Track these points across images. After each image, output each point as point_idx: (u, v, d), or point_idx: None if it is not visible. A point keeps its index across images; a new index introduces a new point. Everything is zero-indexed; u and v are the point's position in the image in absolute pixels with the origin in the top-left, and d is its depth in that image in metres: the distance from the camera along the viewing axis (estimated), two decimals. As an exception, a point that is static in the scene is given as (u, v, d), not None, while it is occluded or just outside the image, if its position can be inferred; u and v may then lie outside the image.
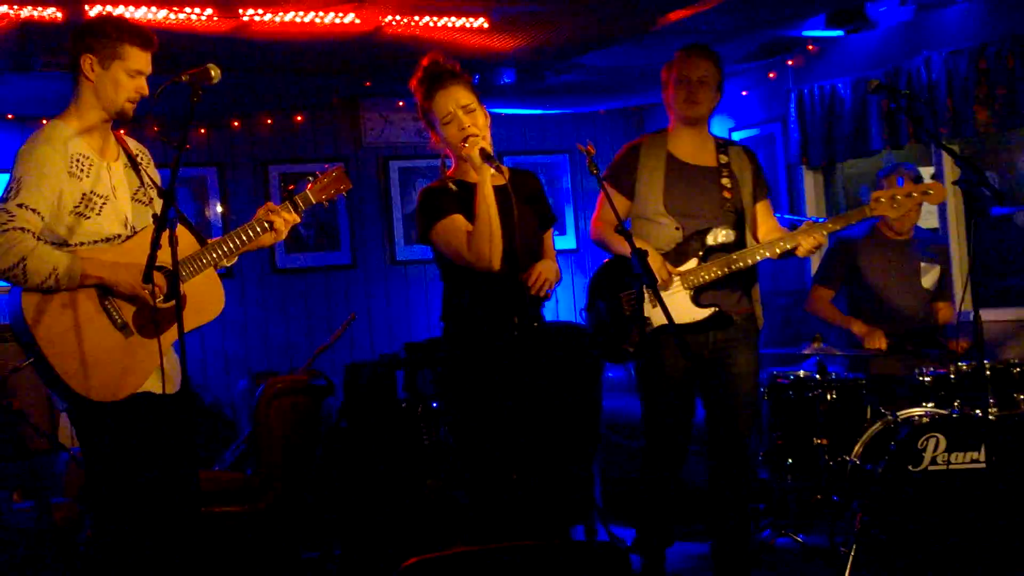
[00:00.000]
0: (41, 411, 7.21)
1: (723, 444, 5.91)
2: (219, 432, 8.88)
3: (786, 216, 6.28)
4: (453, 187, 5.15)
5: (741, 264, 5.77)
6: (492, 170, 5.03)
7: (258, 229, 4.90)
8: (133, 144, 4.95)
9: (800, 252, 5.78)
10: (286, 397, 7.41)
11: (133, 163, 4.85)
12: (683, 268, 5.76)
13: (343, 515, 7.47)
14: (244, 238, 4.88)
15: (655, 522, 5.95)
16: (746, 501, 6.02)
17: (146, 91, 4.71)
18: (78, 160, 4.63)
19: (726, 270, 5.76)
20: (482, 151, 5.00)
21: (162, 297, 4.66)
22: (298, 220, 4.99)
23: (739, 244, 5.87)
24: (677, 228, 5.83)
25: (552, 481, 5.28)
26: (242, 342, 9.81)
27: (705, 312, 5.75)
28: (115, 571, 4.72)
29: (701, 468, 6.20)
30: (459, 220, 5.10)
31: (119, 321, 4.61)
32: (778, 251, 5.81)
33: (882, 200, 5.84)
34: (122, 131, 4.93)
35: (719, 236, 5.80)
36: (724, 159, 6.01)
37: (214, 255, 4.82)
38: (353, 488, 7.49)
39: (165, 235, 4.30)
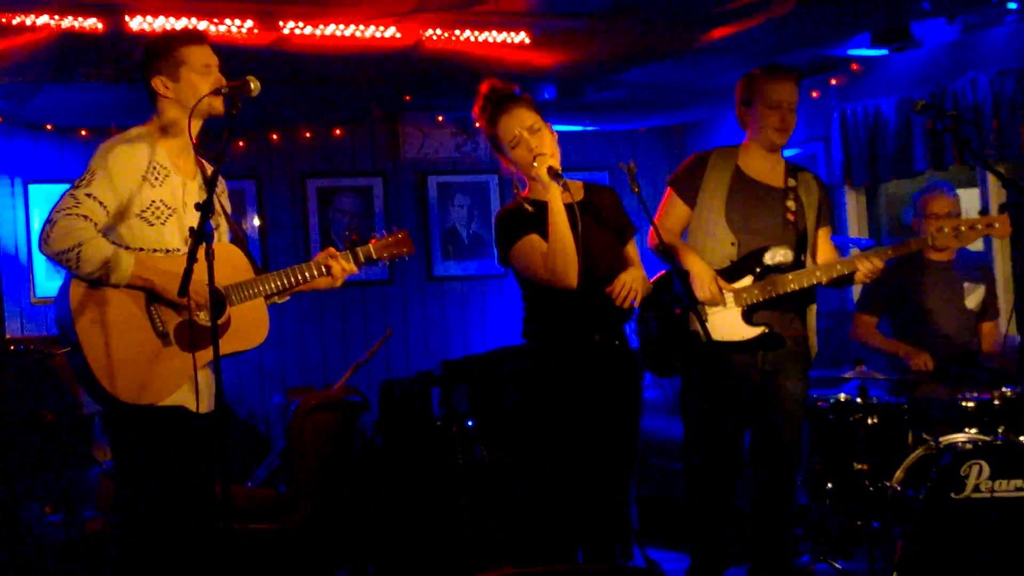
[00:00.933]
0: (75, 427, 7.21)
1: (766, 468, 5.84)
2: (253, 447, 8.85)
3: (832, 237, 6.20)
4: (528, 207, 5.15)
5: (795, 286, 5.71)
6: (562, 188, 5.02)
7: (316, 272, 4.94)
8: (211, 170, 4.95)
9: (858, 277, 5.73)
10: (320, 413, 7.37)
11: (209, 186, 4.84)
12: (737, 285, 5.70)
13: (376, 534, 7.43)
14: (300, 277, 4.92)
15: (710, 546, 5.88)
16: (787, 527, 5.95)
17: (223, 80, 4.76)
18: (154, 168, 4.69)
19: (780, 290, 5.69)
20: (550, 169, 5.00)
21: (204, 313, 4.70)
22: (356, 271, 5.03)
23: (797, 266, 5.80)
24: (733, 243, 5.76)
25: (596, 502, 5.24)
26: (278, 356, 9.78)
27: (755, 331, 5.69)
28: None
29: (739, 490, 6.13)
30: (535, 240, 5.13)
31: (160, 329, 4.63)
32: (834, 275, 5.75)
33: (946, 230, 5.79)
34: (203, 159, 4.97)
35: (777, 256, 5.73)
36: (792, 183, 5.95)
37: (267, 287, 4.87)
38: (387, 506, 7.45)
39: (201, 250, 4.31)
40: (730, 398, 5.70)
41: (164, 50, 4.78)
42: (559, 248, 4.98)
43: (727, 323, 5.63)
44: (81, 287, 4.53)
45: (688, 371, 5.76)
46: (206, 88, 4.72)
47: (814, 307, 5.94)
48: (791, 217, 5.86)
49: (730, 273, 5.73)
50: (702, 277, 5.57)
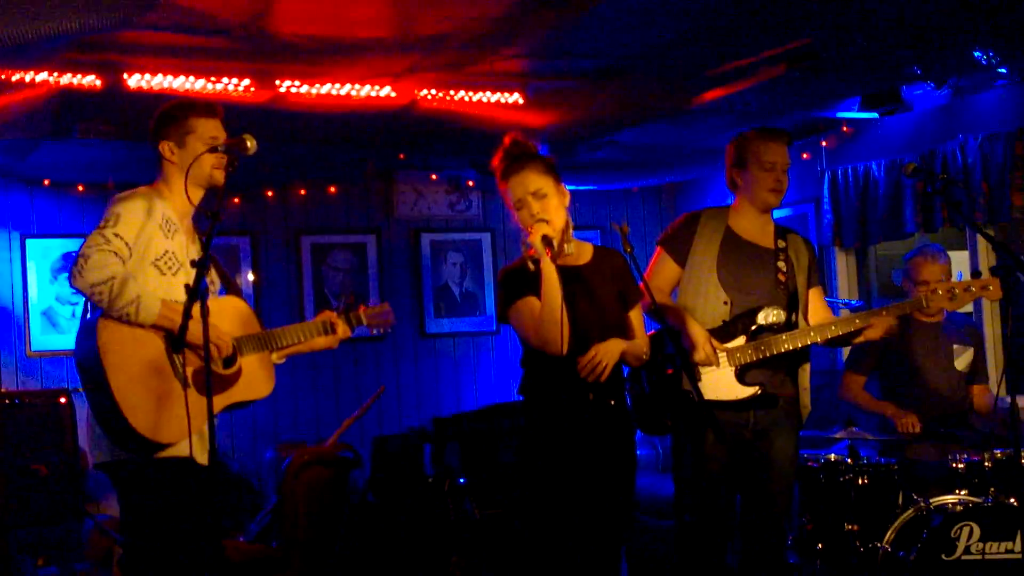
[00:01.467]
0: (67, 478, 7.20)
1: (757, 527, 5.84)
2: (245, 502, 8.84)
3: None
4: (531, 266, 5.17)
5: (789, 346, 5.73)
6: (561, 252, 5.09)
7: (320, 330, 5.20)
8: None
9: (871, 334, 5.80)
10: (312, 469, 7.38)
11: (206, 241, 4.94)
12: (730, 345, 5.72)
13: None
14: (302, 336, 5.15)
15: None
16: None
17: (225, 156, 4.88)
18: (167, 220, 4.82)
19: (775, 350, 5.72)
20: (544, 237, 5.02)
21: (223, 364, 4.85)
22: (350, 335, 5.31)
23: (789, 326, 5.83)
24: (725, 303, 5.79)
25: (590, 560, 5.24)
26: (271, 411, 9.78)
27: (748, 391, 5.71)
28: None
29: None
30: (532, 302, 5.16)
31: (180, 372, 4.72)
32: (828, 335, 5.78)
33: (940, 292, 5.85)
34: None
35: (770, 316, 5.77)
36: (782, 243, 5.99)
37: (277, 342, 5.08)
38: (378, 563, 7.44)
39: (197, 307, 4.40)
40: (721, 458, 5.71)
41: (175, 117, 4.93)
42: (548, 317, 5.01)
43: (720, 383, 5.66)
44: (109, 325, 4.61)
45: (679, 430, 5.77)
46: (209, 162, 4.87)
47: (807, 366, 5.96)
48: (782, 277, 5.89)
49: (723, 332, 5.76)
50: (698, 338, 5.60)
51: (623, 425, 5.32)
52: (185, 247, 4.90)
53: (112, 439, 4.68)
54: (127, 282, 4.58)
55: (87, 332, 4.65)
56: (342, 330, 5.22)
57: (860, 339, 5.85)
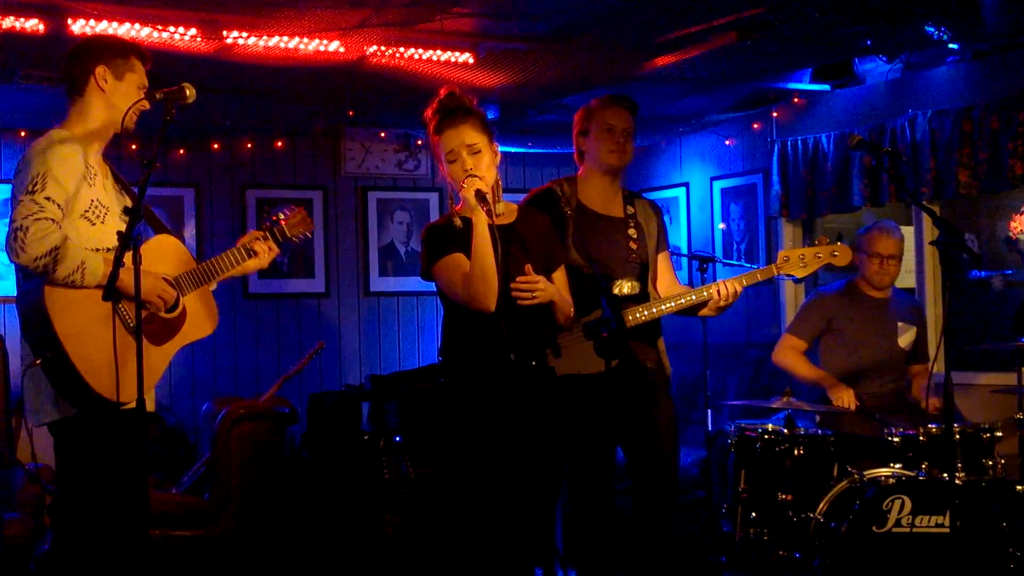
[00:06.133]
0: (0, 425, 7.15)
1: (648, 491, 5.88)
2: (179, 455, 8.80)
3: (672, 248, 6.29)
4: (458, 222, 5.13)
5: (644, 317, 5.72)
6: (486, 212, 5.01)
7: (245, 255, 5.14)
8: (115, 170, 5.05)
9: (719, 300, 5.74)
10: (247, 423, 7.36)
11: (119, 183, 4.91)
12: (589, 319, 5.68)
13: (300, 546, 7.40)
14: (234, 261, 5.10)
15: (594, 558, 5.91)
16: (669, 544, 5.95)
17: (148, 105, 4.83)
18: (88, 168, 4.71)
19: (631, 323, 5.70)
20: (478, 192, 4.98)
21: (167, 308, 4.80)
22: (278, 252, 5.29)
23: (643, 296, 5.84)
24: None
25: (520, 523, 5.23)
26: (210, 365, 9.73)
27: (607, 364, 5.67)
28: None
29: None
30: (459, 259, 5.11)
31: (130, 324, 4.64)
32: (684, 304, 5.77)
33: (790, 259, 5.87)
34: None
35: (624, 288, 5.77)
36: (631, 210, 6.01)
37: (212, 271, 5.03)
38: (311, 519, 7.42)
39: (128, 255, 4.34)
40: (599, 423, 5.73)
41: (119, 50, 4.85)
42: (479, 272, 4.97)
43: (582, 356, 5.64)
44: (56, 292, 4.50)
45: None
46: (134, 105, 4.81)
47: (661, 337, 5.99)
48: (634, 246, 5.91)
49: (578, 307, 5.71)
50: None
51: (545, 385, 5.29)
52: (106, 190, 4.81)
53: (72, 402, 4.61)
54: (68, 248, 4.47)
55: (34, 303, 4.54)
56: (264, 250, 5.18)
57: (706, 311, 5.83)
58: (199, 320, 5.00)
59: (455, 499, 5.20)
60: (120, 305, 4.63)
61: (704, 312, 5.84)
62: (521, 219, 5.32)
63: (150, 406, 4.74)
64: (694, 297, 5.77)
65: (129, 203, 4.90)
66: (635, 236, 5.94)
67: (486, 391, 5.10)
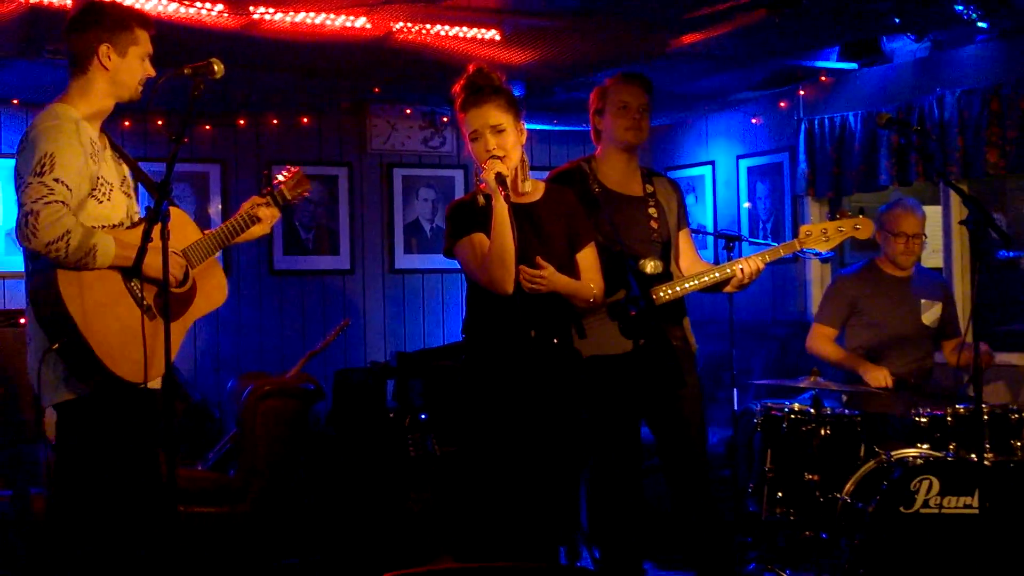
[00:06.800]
0: (28, 400, 7.16)
1: (680, 470, 5.92)
2: (205, 431, 8.81)
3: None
4: (481, 200, 5.12)
5: (668, 296, 5.72)
6: (515, 191, 5.02)
7: (249, 221, 5.17)
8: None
9: (743, 277, 5.76)
10: (273, 400, 7.36)
11: (121, 155, 4.89)
12: (612, 300, 5.67)
13: (325, 523, 7.40)
14: (238, 228, 5.12)
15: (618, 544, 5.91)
16: (723, 527, 5.98)
17: (153, 72, 4.82)
18: (93, 144, 4.67)
19: (656, 302, 5.69)
20: (498, 176, 4.98)
21: (178, 283, 4.78)
22: (280, 215, 5.34)
23: (667, 275, 5.82)
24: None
25: (543, 501, 5.22)
26: (235, 342, 9.73)
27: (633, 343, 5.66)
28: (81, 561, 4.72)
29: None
30: (479, 238, 5.12)
31: (144, 303, 4.63)
32: (708, 280, 5.77)
33: (812, 233, 5.87)
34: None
35: (647, 267, 5.75)
36: (650, 188, 6.01)
37: (218, 242, 5.03)
38: (336, 496, 7.42)
39: (157, 229, 4.34)
40: (624, 402, 5.73)
41: (121, 21, 4.76)
42: (497, 256, 4.97)
43: (608, 337, 5.62)
44: (69, 275, 4.46)
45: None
46: (141, 76, 4.79)
47: (686, 316, 6.02)
48: (655, 224, 5.91)
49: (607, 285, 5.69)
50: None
51: (566, 362, 5.26)
52: (109, 164, 4.79)
53: (88, 385, 4.58)
54: (79, 231, 4.43)
55: (47, 286, 4.49)
56: (267, 215, 5.22)
57: (729, 288, 5.82)
58: (210, 291, 5.00)
59: (477, 477, 5.21)
60: (131, 283, 4.61)
61: (728, 289, 5.84)
62: (547, 197, 5.30)
63: (158, 384, 4.68)
64: (718, 275, 5.77)
65: (127, 172, 4.90)
66: (655, 215, 5.94)
67: (507, 368, 5.10)
